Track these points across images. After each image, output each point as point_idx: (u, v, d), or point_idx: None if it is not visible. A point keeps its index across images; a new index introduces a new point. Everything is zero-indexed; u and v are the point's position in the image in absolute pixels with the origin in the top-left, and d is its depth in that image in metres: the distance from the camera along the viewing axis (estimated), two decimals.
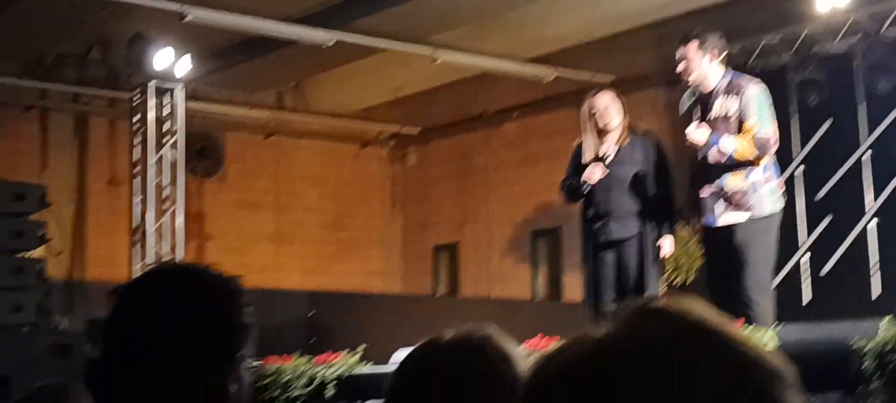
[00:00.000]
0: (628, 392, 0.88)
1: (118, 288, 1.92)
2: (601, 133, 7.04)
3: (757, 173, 6.54)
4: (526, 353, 1.69)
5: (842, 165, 10.91)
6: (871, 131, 10.79)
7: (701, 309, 0.95)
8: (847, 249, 10.67)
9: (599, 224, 7.02)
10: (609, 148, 6.99)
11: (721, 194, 6.59)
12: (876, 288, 10.29)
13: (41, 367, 7.40)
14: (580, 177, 7.05)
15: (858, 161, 10.83)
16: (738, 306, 6.34)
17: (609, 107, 6.99)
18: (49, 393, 3.69)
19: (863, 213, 10.67)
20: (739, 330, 0.94)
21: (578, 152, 7.20)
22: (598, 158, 7.02)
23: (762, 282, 6.52)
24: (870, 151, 10.79)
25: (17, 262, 8.69)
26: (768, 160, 6.60)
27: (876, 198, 10.61)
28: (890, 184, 10.13)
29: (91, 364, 1.90)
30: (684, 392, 0.88)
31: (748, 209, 6.50)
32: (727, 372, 0.89)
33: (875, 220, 10.46)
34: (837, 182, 10.94)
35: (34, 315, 8.55)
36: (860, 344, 4.82)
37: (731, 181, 6.55)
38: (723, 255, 6.62)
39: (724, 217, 6.57)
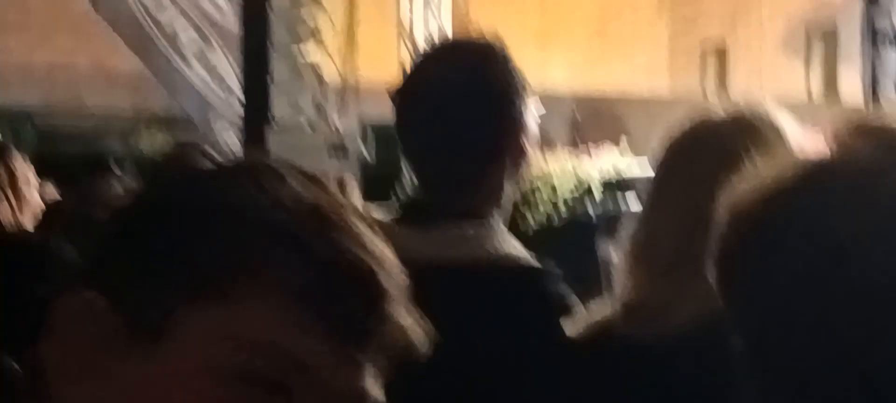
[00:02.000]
0: (848, 215, 0.85)
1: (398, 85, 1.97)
2: None
3: None
4: (798, 130, 1.65)
5: None
6: None
7: None
8: None
9: (882, 20, 6.66)
10: None
11: None
12: None
13: (321, 165, 7.73)
14: None
15: None
16: None
17: None
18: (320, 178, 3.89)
19: None
20: None
21: None
22: None
23: None
24: None
25: (296, 61, 9.03)
26: None
27: None
28: None
29: (364, 165, 2.00)
30: None
31: None
32: None
33: None
34: None
35: (313, 113, 8.91)
36: None
37: None
38: None
39: None
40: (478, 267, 1.80)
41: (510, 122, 1.89)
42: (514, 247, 1.86)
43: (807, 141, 0.93)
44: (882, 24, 6.72)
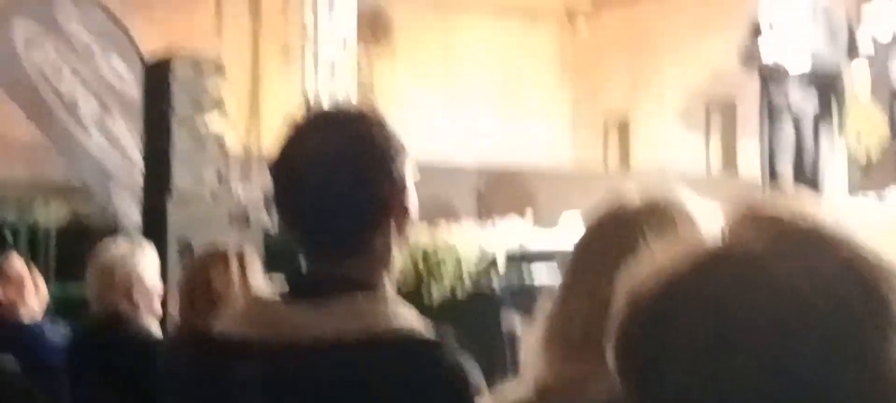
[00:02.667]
0: (736, 303, 0.86)
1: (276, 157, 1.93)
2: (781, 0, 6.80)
3: None
4: (706, 214, 1.67)
5: None
6: None
7: (812, 210, 0.91)
8: None
9: (778, 94, 6.82)
10: (792, 19, 6.76)
11: None
12: None
13: (223, 234, 7.63)
14: (758, 45, 6.84)
15: None
16: None
17: None
18: (220, 253, 3.83)
19: None
20: (854, 232, 0.90)
21: (756, 18, 6.98)
22: (782, 28, 6.79)
23: None
24: None
25: (198, 131, 8.94)
26: None
27: None
28: None
29: (266, 235, 1.97)
30: (794, 301, 0.85)
31: None
32: (840, 279, 0.86)
33: None
34: None
35: (215, 183, 8.81)
36: None
37: None
38: None
39: None
40: (371, 341, 1.76)
41: (391, 185, 1.86)
42: (407, 318, 1.82)
43: (713, 223, 0.94)
44: (778, 99, 6.88)
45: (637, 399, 0.92)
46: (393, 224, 1.87)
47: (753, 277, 0.87)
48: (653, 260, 0.93)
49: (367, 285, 1.83)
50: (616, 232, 1.69)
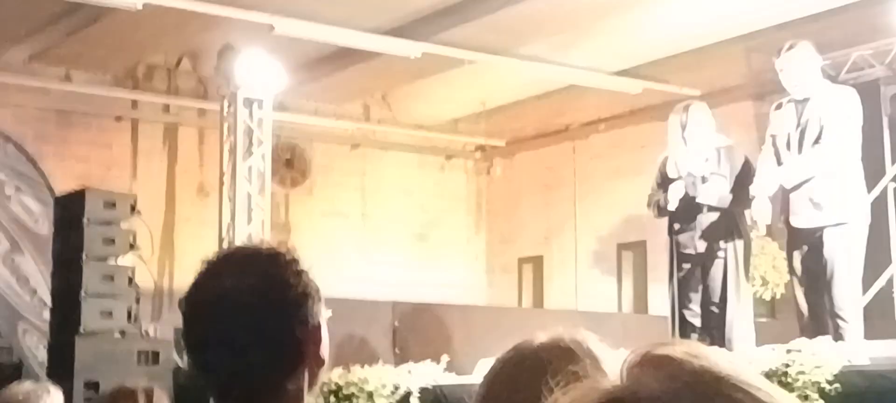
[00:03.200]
0: None
1: (185, 297, 1.89)
2: (688, 146, 6.99)
3: (843, 180, 6.45)
4: (612, 357, 1.68)
5: None
6: None
7: (708, 353, 0.93)
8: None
9: (686, 238, 6.97)
10: (698, 164, 6.94)
11: (808, 197, 6.52)
12: None
13: (131, 373, 7.51)
14: (666, 190, 7.00)
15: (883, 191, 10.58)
16: (826, 319, 6.25)
17: (700, 122, 6.95)
18: (128, 392, 3.75)
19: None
20: (752, 374, 0.93)
21: (665, 166, 7.15)
22: (688, 174, 6.96)
23: (850, 295, 6.41)
24: None
25: (108, 269, 8.85)
26: (855, 170, 6.49)
27: None
28: None
29: (175, 372, 1.91)
30: None
31: (834, 214, 6.41)
32: None
33: None
34: None
35: (125, 321, 8.69)
36: None
37: (818, 185, 6.48)
38: (808, 262, 6.54)
39: (811, 219, 6.50)
40: None
41: (304, 330, 1.83)
42: None
43: (617, 365, 0.97)
44: (685, 243, 7.03)
45: None
46: (305, 369, 1.84)
47: None
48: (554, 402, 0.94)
49: None
50: (521, 372, 1.70)
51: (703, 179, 6.92)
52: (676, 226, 7.03)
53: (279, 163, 14.08)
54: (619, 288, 14.45)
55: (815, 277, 6.47)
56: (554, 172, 15.51)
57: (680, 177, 6.97)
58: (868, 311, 8.19)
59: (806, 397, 5.11)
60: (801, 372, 5.23)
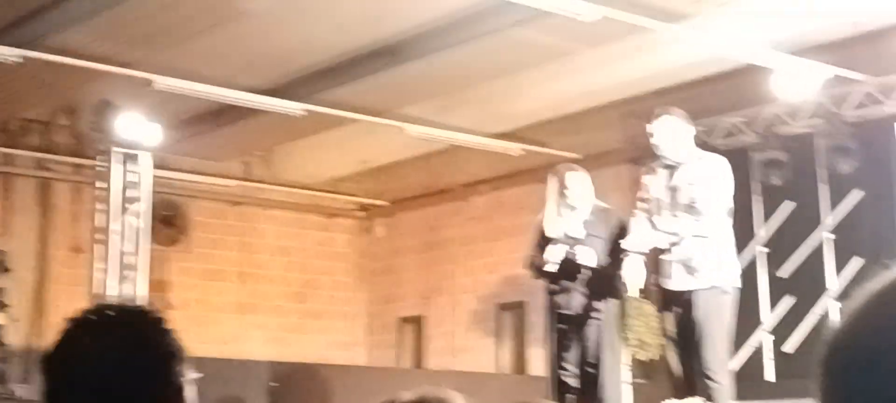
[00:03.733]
0: None
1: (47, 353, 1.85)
2: (566, 208, 7.10)
3: (714, 244, 6.61)
4: None
5: (803, 245, 11.01)
6: (832, 212, 10.91)
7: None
8: (811, 330, 10.73)
9: (564, 299, 7.06)
10: (575, 227, 7.06)
11: (680, 260, 6.66)
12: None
13: None
14: (544, 252, 7.09)
15: (820, 241, 10.94)
16: (698, 380, 6.38)
17: (578, 185, 7.08)
18: None
19: (824, 292, 10.75)
20: None
21: (543, 227, 7.25)
22: (565, 236, 7.07)
23: (720, 357, 6.56)
24: (830, 233, 10.90)
25: None
26: (726, 234, 6.67)
27: (838, 277, 10.70)
28: (851, 265, 10.21)
29: None
30: None
31: (705, 278, 6.56)
32: None
33: (837, 303, 10.53)
34: (800, 262, 11.04)
35: None
36: None
37: (690, 249, 6.63)
38: (680, 323, 6.69)
39: (682, 281, 6.64)
40: None
41: (167, 392, 1.81)
42: None
43: None
44: (562, 303, 7.12)
45: None
46: None
47: None
48: None
49: None
50: None
51: (581, 241, 7.03)
52: (554, 287, 7.12)
53: (156, 220, 13.87)
54: (498, 349, 14.53)
55: (687, 338, 6.61)
56: (435, 232, 15.58)
57: (558, 239, 7.08)
58: (738, 374, 8.40)
59: None
60: None
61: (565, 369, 7.05)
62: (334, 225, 16.45)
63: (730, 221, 6.66)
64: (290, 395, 9.75)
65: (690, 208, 6.66)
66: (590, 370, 7.07)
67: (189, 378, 1.84)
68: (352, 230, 16.66)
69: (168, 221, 14.82)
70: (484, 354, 14.51)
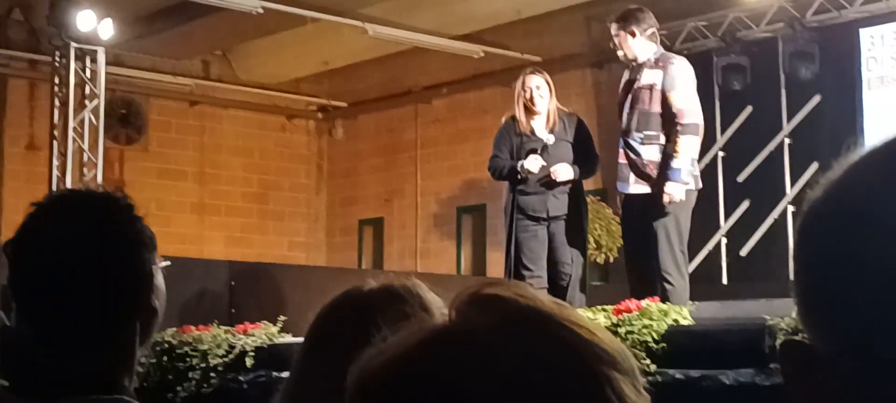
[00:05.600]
0: (460, 381, 0.88)
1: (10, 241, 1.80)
2: (530, 112, 7.08)
3: (675, 148, 6.63)
4: (444, 306, 1.69)
5: (762, 150, 11.09)
6: (790, 117, 10.99)
7: (535, 294, 0.95)
8: (765, 233, 10.85)
9: (532, 200, 7.07)
10: (543, 131, 7.06)
11: (637, 163, 6.69)
12: (792, 271, 10.48)
13: None
14: (510, 154, 7.08)
15: (779, 146, 11.02)
16: (654, 281, 6.44)
17: (541, 88, 7.06)
18: None
19: (782, 197, 10.86)
20: (576, 313, 0.94)
21: (507, 128, 7.23)
22: (534, 140, 7.06)
23: (676, 258, 6.61)
24: (788, 138, 10.99)
25: None
26: (688, 137, 6.68)
27: (793, 183, 10.80)
28: (808, 170, 10.31)
29: (2, 331, 1.81)
30: (516, 377, 0.87)
31: (662, 181, 6.59)
32: (559, 357, 0.89)
33: (791, 207, 10.64)
34: (757, 166, 11.12)
35: None
36: (775, 322, 4.90)
37: (647, 152, 6.65)
38: (639, 228, 6.73)
39: (638, 186, 6.68)
40: None
41: (140, 281, 1.77)
42: None
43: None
44: (527, 206, 7.13)
45: None
46: (137, 320, 1.77)
47: (477, 356, 0.88)
48: (382, 344, 0.93)
49: (106, 385, 1.72)
50: (349, 316, 1.68)
51: (550, 145, 7.04)
52: (521, 189, 7.12)
53: (114, 119, 13.73)
54: (458, 252, 14.61)
55: (645, 241, 6.65)
56: (395, 135, 15.54)
57: (530, 143, 7.07)
58: (695, 276, 8.48)
59: (634, 356, 5.28)
60: (630, 332, 5.39)
61: (529, 270, 7.07)
62: (294, 126, 16.36)
63: (693, 124, 6.67)
64: (250, 295, 9.77)
65: (650, 110, 6.66)
66: (556, 272, 7.11)
67: (159, 264, 1.82)
68: (312, 131, 16.58)
69: (125, 120, 14.67)
70: (444, 257, 14.58)
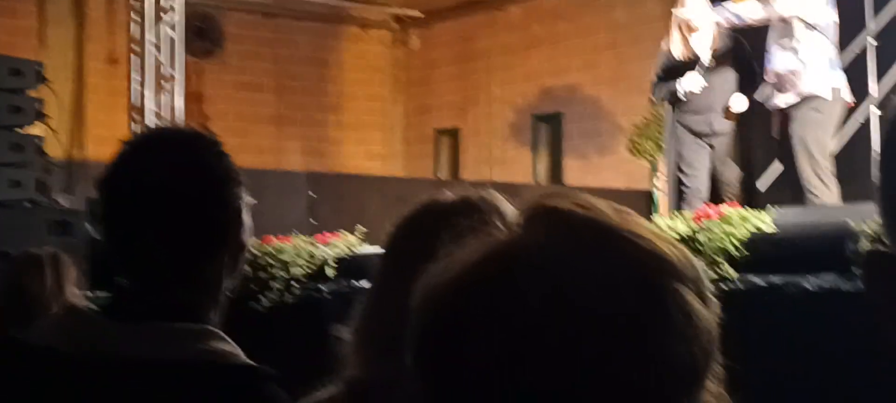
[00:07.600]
0: (520, 299, 0.87)
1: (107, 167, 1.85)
2: (688, 31, 7.11)
3: (807, 53, 6.58)
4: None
5: (845, 50, 10.84)
6: (876, 14, 10.70)
7: (596, 204, 0.93)
8: (851, 137, 10.64)
9: (698, 118, 7.11)
10: (704, 53, 7.06)
11: (776, 76, 6.68)
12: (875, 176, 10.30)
13: (41, 243, 7.41)
14: (672, 78, 7.11)
15: (863, 47, 10.76)
16: (799, 192, 6.47)
17: (697, 4, 7.09)
18: (34, 258, 3.69)
19: (865, 99, 10.63)
20: (637, 221, 0.93)
21: (668, 53, 7.25)
22: (695, 62, 7.06)
23: (820, 167, 6.62)
24: (873, 39, 10.72)
25: (16, 138, 8.65)
26: (823, 43, 6.60)
27: (879, 83, 10.55)
28: (893, 71, 10.03)
29: (92, 243, 1.84)
30: (575, 294, 0.87)
31: (799, 90, 6.56)
32: (619, 270, 0.88)
33: (877, 110, 10.41)
34: (842, 68, 10.88)
35: (33, 191, 8.53)
36: (858, 226, 4.83)
37: (782, 61, 6.63)
38: (782, 139, 6.74)
39: (779, 99, 6.67)
40: (186, 369, 1.68)
41: (227, 215, 1.79)
42: (226, 349, 1.75)
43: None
44: (694, 123, 7.17)
45: (434, 399, 0.91)
46: (225, 254, 1.80)
47: (536, 273, 0.88)
48: (446, 260, 0.93)
49: (192, 313, 1.75)
50: (427, 228, 1.68)
51: (710, 63, 7.08)
52: (686, 107, 7.16)
53: (190, 33, 13.82)
54: (535, 160, 14.56)
55: (788, 151, 6.69)
56: (471, 43, 15.46)
57: (693, 64, 7.10)
58: (777, 182, 8.39)
59: (715, 262, 5.22)
60: (711, 239, 5.34)
61: (695, 181, 7.11)
62: (369, 36, 16.34)
63: (834, 32, 6.58)
64: (328, 205, 9.84)
65: (791, 23, 6.60)
66: (716, 183, 7.19)
67: (246, 201, 1.84)
68: (387, 42, 16.55)
69: (202, 33, 14.76)
70: (520, 165, 14.55)
